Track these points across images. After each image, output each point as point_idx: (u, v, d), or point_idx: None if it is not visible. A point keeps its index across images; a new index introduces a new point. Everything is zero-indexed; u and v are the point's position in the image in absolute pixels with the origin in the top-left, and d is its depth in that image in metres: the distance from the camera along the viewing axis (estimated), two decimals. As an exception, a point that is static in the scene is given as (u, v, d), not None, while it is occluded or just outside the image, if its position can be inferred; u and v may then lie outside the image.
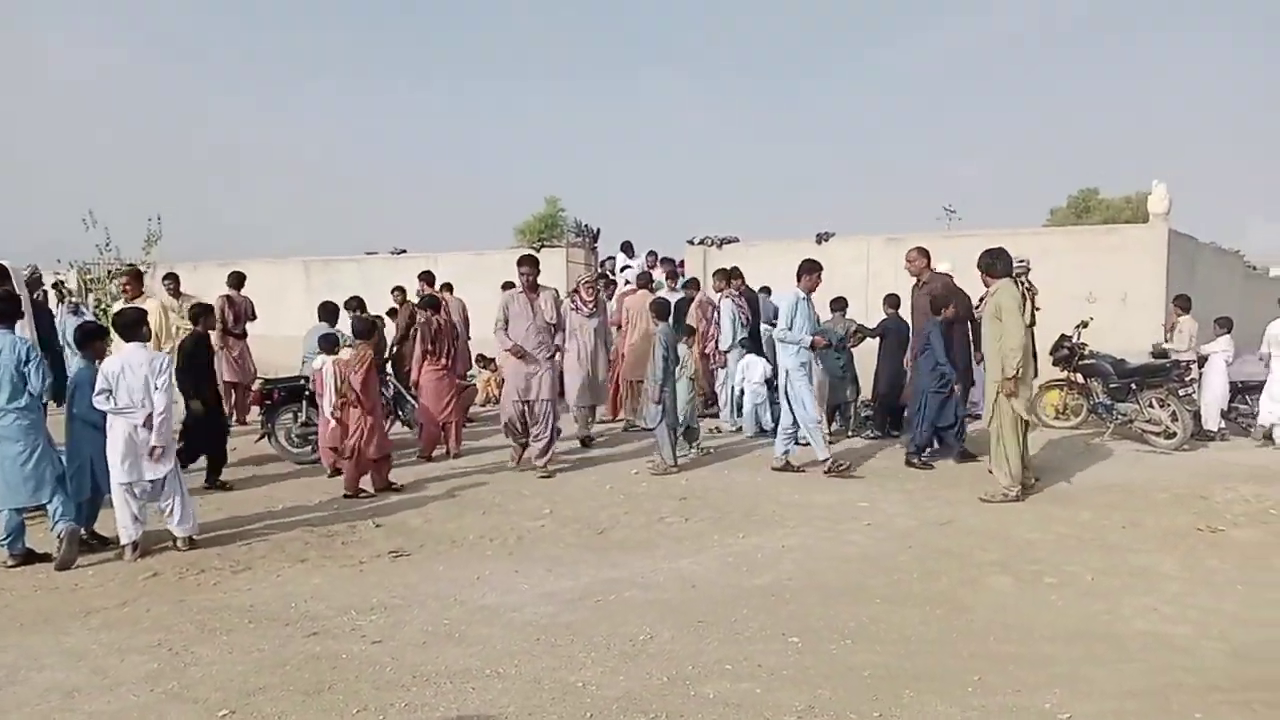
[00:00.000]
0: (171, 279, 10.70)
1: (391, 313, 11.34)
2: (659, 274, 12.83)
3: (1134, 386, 9.36)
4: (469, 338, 11.51)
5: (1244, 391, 9.87)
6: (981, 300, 7.70)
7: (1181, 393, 9.45)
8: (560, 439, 8.52)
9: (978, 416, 9.13)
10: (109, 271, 14.79)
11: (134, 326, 5.90)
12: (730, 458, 8.77)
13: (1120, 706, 3.50)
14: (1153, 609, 4.60)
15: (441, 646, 4.16)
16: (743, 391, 10.07)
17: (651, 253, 14.55)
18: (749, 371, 9.91)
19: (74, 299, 13.07)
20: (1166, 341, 10.34)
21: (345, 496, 7.25)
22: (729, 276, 10.43)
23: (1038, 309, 8.46)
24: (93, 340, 6.04)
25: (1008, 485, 6.88)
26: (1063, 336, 9.95)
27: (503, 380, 8.94)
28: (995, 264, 7.15)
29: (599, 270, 15.24)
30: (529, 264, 8.27)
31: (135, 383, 5.65)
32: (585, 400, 9.60)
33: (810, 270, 8.00)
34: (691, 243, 15.16)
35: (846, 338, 9.88)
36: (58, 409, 6.28)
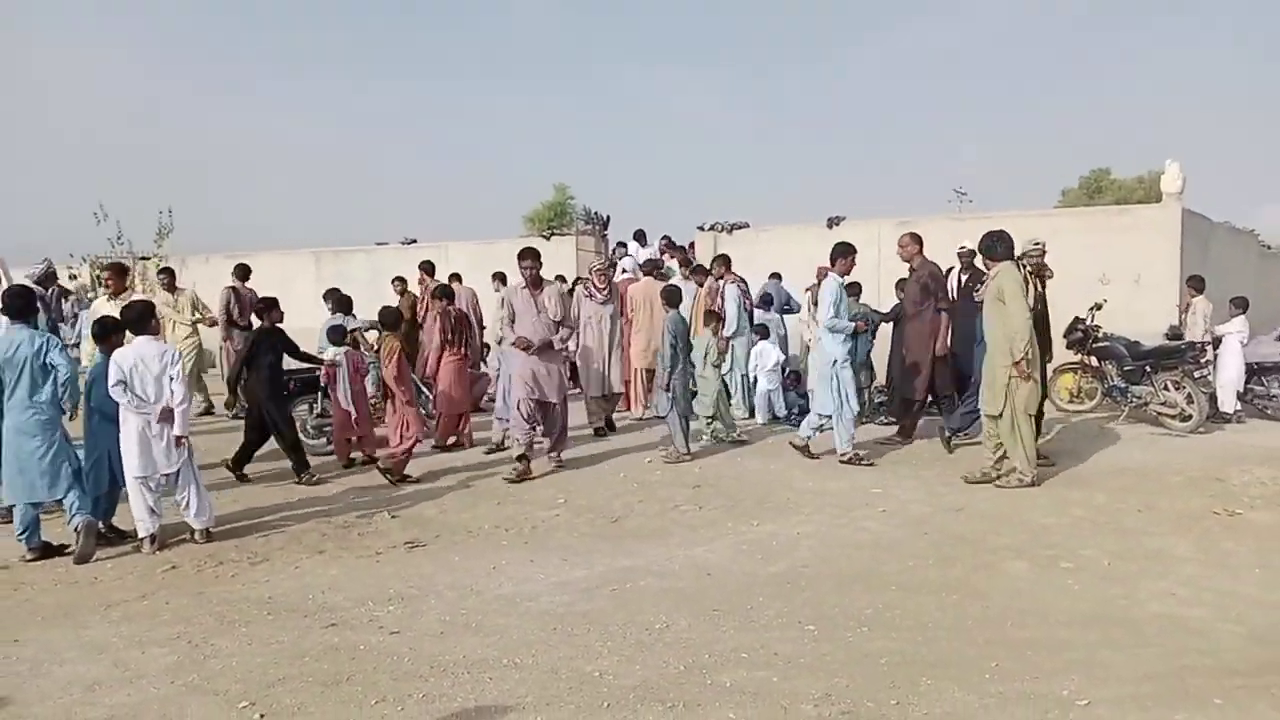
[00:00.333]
0: (166, 273, 10.67)
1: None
2: (671, 260, 12.77)
3: (1149, 369, 9.29)
4: (483, 326, 11.46)
5: (1260, 373, 9.80)
6: (982, 283, 7.50)
7: (1197, 375, 9.37)
8: (573, 429, 8.51)
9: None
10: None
11: (143, 320, 5.89)
12: (743, 445, 8.77)
13: (1137, 691, 3.49)
14: (1169, 593, 4.59)
15: (459, 636, 4.18)
16: (755, 379, 10.06)
17: (665, 237, 14.47)
18: (762, 359, 9.89)
19: (89, 294, 13.14)
20: (1180, 323, 10.27)
21: (392, 482, 7.43)
22: (727, 263, 10.38)
23: (1044, 290, 8.27)
24: (111, 334, 6.05)
25: (1023, 471, 6.81)
26: (1076, 319, 9.85)
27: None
28: (996, 247, 7.01)
29: (609, 258, 15.21)
30: (530, 257, 7.64)
31: (148, 376, 5.68)
32: (601, 389, 9.55)
33: (845, 253, 7.84)
34: (701, 228, 15.12)
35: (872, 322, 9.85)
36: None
